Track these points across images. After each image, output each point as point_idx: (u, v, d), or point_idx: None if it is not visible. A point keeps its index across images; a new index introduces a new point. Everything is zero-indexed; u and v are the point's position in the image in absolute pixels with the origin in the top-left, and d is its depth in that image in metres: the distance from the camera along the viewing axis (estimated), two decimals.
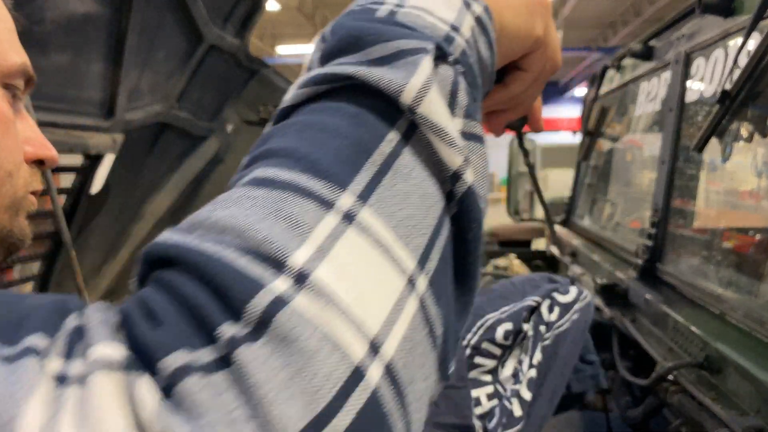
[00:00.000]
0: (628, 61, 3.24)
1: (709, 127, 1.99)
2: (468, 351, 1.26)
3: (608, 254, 3.12)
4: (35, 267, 2.22)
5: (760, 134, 2.27)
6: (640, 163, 3.72)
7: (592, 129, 3.89)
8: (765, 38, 1.71)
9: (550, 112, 31.72)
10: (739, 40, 1.88)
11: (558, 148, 15.79)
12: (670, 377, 1.81)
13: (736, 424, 1.41)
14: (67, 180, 2.11)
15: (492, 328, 1.28)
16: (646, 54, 2.85)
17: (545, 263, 4.29)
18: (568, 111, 30.62)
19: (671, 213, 2.39)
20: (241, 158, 1.88)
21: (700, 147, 2.07)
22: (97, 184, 2.20)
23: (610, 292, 2.50)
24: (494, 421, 1.22)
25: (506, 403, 1.26)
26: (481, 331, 1.28)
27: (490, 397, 1.25)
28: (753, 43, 1.78)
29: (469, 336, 1.26)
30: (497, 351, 1.28)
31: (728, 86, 1.88)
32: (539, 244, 5.08)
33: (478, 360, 1.27)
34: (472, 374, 1.26)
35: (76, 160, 2.06)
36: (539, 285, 1.41)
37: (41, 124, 1.72)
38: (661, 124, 2.57)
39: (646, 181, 3.50)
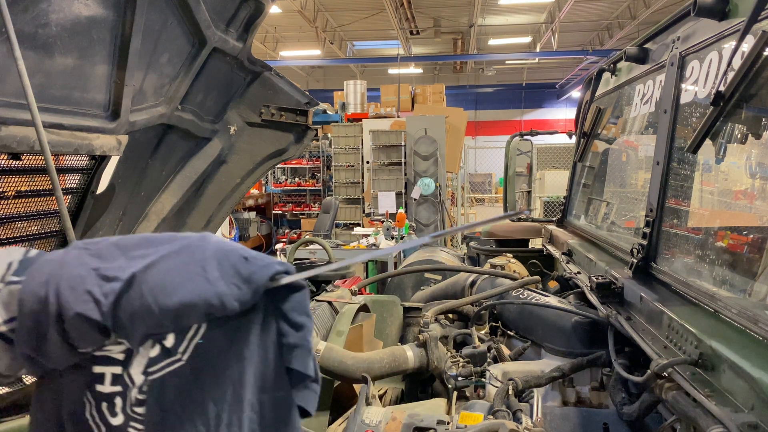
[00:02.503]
0: (623, 64, 3.27)
1: (704, 129, 2.02)
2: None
3: (603, 253, 3.15)
4: None
5: (754, 136, 2.31)
6: (635, 164, 3.76)
7: (587, 130, 3.93)
8: (759, 41, 1.74)
9: (546, 114, 31.78)
10: (733, 42, 1.92)
11: (554, 149, 15.87)
12: (665, 374, 1.83)
13: (731, 420, 1.44)
14: (72, 180, 2.12)
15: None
16: (641, 57, 2.88)
17: (541, 262, 4.32)
18: (563, 113, 30.68)
19: (666, 213, 2.42)
20: (243, 159, 1.92)
21: (695, 148, 2.10)
22: (101, 185, 2.22)
23: (606, 291, 2.52)
24: (117, 408, 1.12)
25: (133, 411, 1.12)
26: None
27: (115, 379, 1.12)
28: (747, 46, 1.81)
29: None
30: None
31: (722, 88, 1.91)
32: (536, 244, 5.11)
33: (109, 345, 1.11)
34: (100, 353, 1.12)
35: (82, 160, 2.08)
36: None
37: (47, 126, 1.75)
38: (655, 126, 2.60)
39: (640, 182, 3.54)
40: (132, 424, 1.11)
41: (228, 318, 1.06)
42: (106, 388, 1.12)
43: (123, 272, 1.06)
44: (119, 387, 1.11)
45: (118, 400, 1.12)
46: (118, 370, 1.11)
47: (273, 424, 1.09)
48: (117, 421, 1.12)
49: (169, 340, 1.08)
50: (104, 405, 1.13)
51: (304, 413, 1.14)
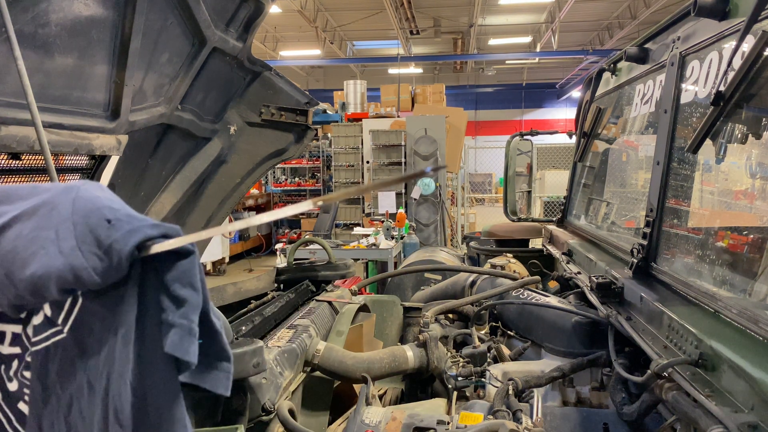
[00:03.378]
0: (623, 64, 3.27)
1: (704, 129, 2.02)
2: None
3: (604, 253, 3.15)
4: None
5: (754, 136, 2.31)
6: (635, 164, 3.76)
7: (587, 130, 3.92)
8: (759, 41, 1.74)
9: (546, 113, 31.79)
10: (733, 42, 1.92)
11: (554, 149, 15.88)
12: (665, 374, 1.83)
13: (731, 420, 1.43)
14: (72, 180, 2.12)
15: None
16: (642, 56, 2.87)
17: (541, 262, 4.32)
18: (564, 113, 30.70)
19: (666, 213, 2.42)
20: (243, 159, 1.86)
21: (695, 148, 2.10)
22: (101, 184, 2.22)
23: (606, 291, 2.52)
24: (11, 372, 1.02)
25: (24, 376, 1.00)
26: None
27: (14, 339, 1.01)
28: (747, 46, 1.80)
29: None
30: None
31: (722, 88, 1.90)
32: (536, 244, 5.11)
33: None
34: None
35: (82, 160, 2.09)
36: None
37: (47, 126, 1.75)
38: (655, 126, 2.60)
39: (641, 182, 3.54)
40: (25, 390, 1.01)
41: (105, 290, 0.90)
42: (5, 348, 1.02)
43: None
44: (18, 348, 1.01)
45: (15, 364, 1.01)
46: (17, 328, 1.01)
47: (154, 414, 0.91)
48: (13, 386, 1.02)
49: (47, 309, 0.96)
50: (2, 368, 1.03)
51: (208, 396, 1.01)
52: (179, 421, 0.91)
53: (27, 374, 1.00)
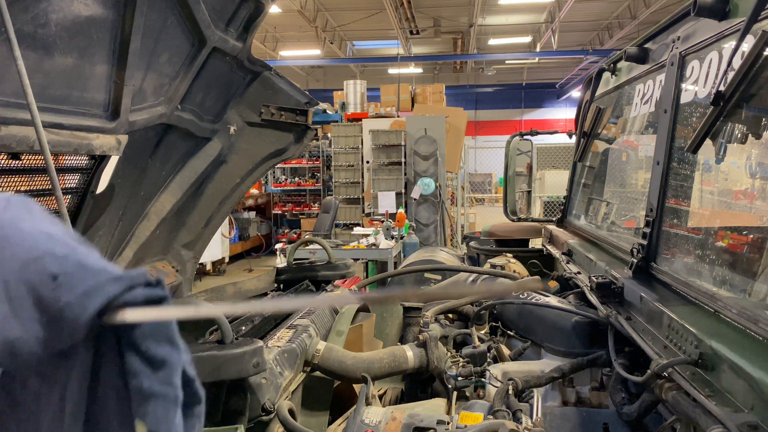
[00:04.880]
0: (623, 63, 3.27)
1: (704, 129, 2.02)
2: None
3: (603, 253, 3.15)
4: None
5: (754, 136, 2.31)
6: (635, 164, 3.76)
7: (587, 130, 3.92)
8: (759, 40, 1.74)
9: (546, 113, 31.80)
10: (733, 42, 1.92)
11: (554, 149, 15.88)
12: (665, 374, 1.83)
13: (731, 420, 1.43)
14: (72, 180, 2.12)
15: None
16: (641, 56, 2.87)
17: (541, 262, 4.32)
18: (564, 113, 30.71)
19: (666, 213, 2.42)
20: (243, 159, 1.85)
21: (695, 148, 2.10)
22: (101, 185, 2.23)
23: (606, 291, 2.52)
24: None
25: None
26: None
27: None
28: (747, 46, 1.80)
29: None
30: None
31: (722, 88, 1.90)
32: (536, 244, 5.11)
33: None
34: None
35: (81, 160, 2.09)
36: None
37: (47, 126, 1.75)
38: (655, 126, 2.60)
39: (641, 182, 3.54)
40: None
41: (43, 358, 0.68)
42: None
43: None
44: None
45: None
46: None
47: None
48: None
49: None
50: None
51: None
52: None
53: None
